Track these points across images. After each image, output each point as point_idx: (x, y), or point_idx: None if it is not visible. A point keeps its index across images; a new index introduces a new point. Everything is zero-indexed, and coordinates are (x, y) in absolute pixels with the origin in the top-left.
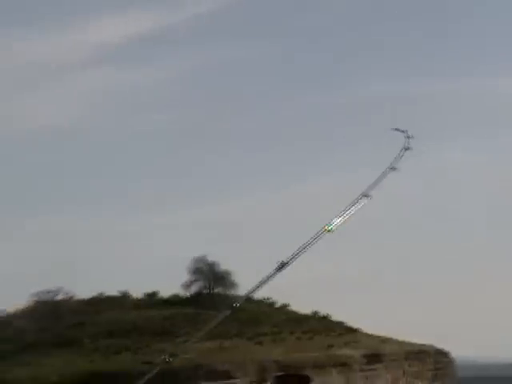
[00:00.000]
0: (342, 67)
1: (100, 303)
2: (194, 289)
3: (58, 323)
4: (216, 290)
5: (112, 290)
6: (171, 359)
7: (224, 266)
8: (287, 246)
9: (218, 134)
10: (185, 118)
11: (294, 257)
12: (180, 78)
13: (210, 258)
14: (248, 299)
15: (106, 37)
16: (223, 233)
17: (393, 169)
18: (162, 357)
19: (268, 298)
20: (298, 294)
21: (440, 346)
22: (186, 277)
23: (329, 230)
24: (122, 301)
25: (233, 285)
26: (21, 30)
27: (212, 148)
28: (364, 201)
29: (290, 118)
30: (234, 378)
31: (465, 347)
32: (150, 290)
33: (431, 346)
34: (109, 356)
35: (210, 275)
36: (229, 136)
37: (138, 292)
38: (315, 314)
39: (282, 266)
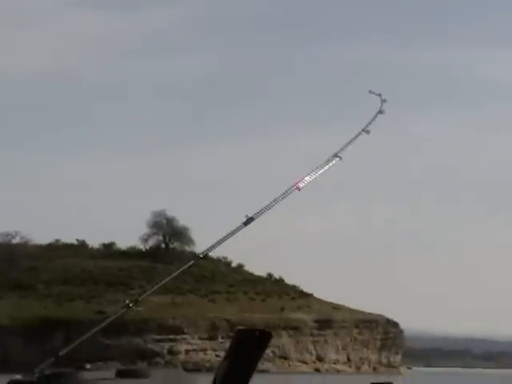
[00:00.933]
0: (331, 27)
1: (56, 250)
2: (151, 242)
3: (13, 266)
4: (173, 245)
5: (70, 238)
6: (132, 305)
7: (183, 221)
8: (255, 203)
9: (189, 89)
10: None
11: (261, 212)
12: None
13: (170, 213)
14: (204, 257)
15: None
16: (187, 187)
17: (365, 131)
18: (126, 301)
19: (224, 258)
20: (254, 254)
21: (391, 316)
22: (144, 230)
23: (298, 188)
24: (79, 249)
25: (190, 241)
26: None
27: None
28: (335, 161)
29: (276, 70)
30: (185, 334)
31: (417, 320)
32: (107, 240)
33: (381, 316)
34: (62, 303)
35: (168, 230)
36: (201, 93)
37: (95, 241)
38: (270, 276)
39: (249, 220)
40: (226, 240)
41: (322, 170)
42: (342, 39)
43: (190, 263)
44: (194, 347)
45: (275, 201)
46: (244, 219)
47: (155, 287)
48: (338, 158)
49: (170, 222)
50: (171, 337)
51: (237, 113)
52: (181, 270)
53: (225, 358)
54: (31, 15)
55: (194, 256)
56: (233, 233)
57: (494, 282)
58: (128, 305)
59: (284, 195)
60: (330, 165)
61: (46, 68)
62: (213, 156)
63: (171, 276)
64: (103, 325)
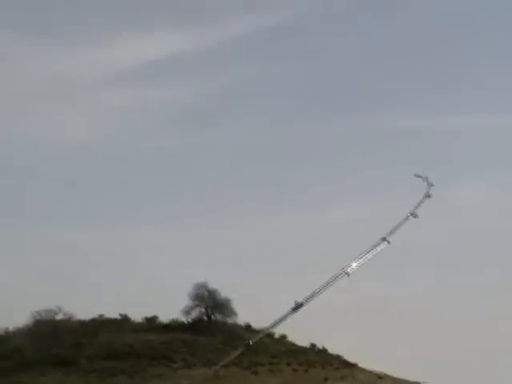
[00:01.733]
0: (369, 95)
1: (99, 325)
2: (193, 315)
3: (57, 343)
4: (215, 317)
5: (112, 313)
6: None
7: (224, 293)
8: (300, 278)
9: (232, 152)
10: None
11: (310, 297)
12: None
13: (211, 285)
14: (247, 328)
15: (134, 55)
16: (228, 258)
17: (413, 215)
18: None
19: (267, 329)
20: (296, 325)
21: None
22: (186, 302)
23: (347, 274)
24: (121, 324)
25: (232, 313)
26: (49, 42)
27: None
28: (383, 245)
29: (313, 143)
30: None
31: None
32: (149, 314)
33: None
34: (105, 378)
35: (210, 302)
36: (241, 156)
37: (137, 316)
38: (313, 346)
39: (298, 306)
40: (276, 325)
41: (371, 255)
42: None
43: (241, 351)
44: None
45: (324, 286)
46: (293, 305)
47: (232, 356)
48: (386, 242)
49: (211, 293)
50: None
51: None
52: (233, 356)
53: None
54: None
55: (246, 344)
56: (282, 319)
57: None
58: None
59: (333, 280)
60: (379, 249)
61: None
62: (258, 226)
63: (226, 360)
64: None
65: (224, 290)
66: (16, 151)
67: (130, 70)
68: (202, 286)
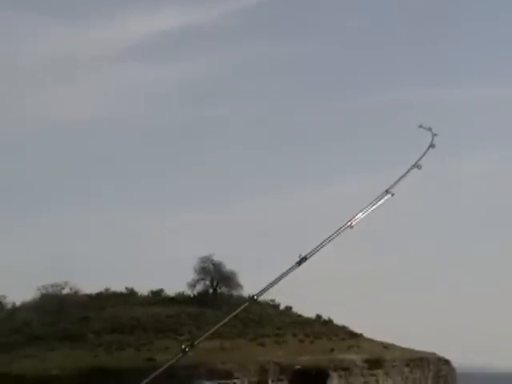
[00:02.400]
0: (367, 70)
1: (105, 299)
2: (199, 288)
3: (63, 317)
4: (221, 290)
5: (118, 287)
6: (187, 349)
7: (231, 266)
8: (307, 244)
9: (238, 132)
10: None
11: (314, 251)
12: (211, 76)
13: (216, 258)
14: (254, 299)
15: (138, 32)
16: (233, 232)
17: (417, 166)
18: (182, 346)
19: (272, 300)
20: (302, 295)
21: (443, 354)
22: (191, 276)
23: (351, 226)
24: (128, 297)
25: (238, 285)
26: (56, 22)
27: (231, 147)
28: (386, 197)
29: (314, 120)
30: (235, 378)
31: (472, 356)
32: (156, 287)
33: (433, 354)
34: (112, 352)
35: (216, 275)
36: (248, 135)
37: (144, 289)
38: (318, 317)
39: (302, 260)
40: (279, 280)
41: (374, 207)
42: (389, 80)
43: (246, 304)
44: None
45: (328, 239)
46: (297, 259)
47: (211, 331)
48: (389, 194)
49: (217, 266)
50: (222, 381)
51: (281, 157)
52: (237, 311)
53: None
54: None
55: (248, 298)
56: (286, 273)
57: None
58: (184, 349)
59: (337, 233)
60: (382, 201)
61: (99, 116)
62: (257, 200)
63: (228, 318)
64: (162, 370)
65: (229, 263)
66: (23, 128)
67: (139, 45)
68: (207, 260)
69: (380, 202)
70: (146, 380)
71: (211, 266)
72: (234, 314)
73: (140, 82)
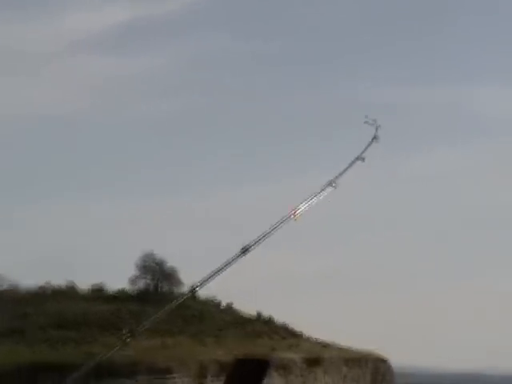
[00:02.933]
0: (327, 68)
1: (46, 294)
2: (140, 284)
3: (3, 313)
4: (162, 287)
5: (59, 281)
6: (129, 340)
7: (171, 262)
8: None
9: (192, 127)
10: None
11: (257, 241)
12: (161, 69)
13: (158, 255)
14: (193, 297)
15: (90, 25)
16: (174, 226)
17: (360, 159)
18: (123, 335)
19: (213, 297)
20: (243, 293)
21: (382, 353)
22: (132, 272)
23: (295, 218)
24: (69, 293)
25: (179, 282)
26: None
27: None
28: (330, 189)
29: (264, 112)
30: (174, 375)
31: (410, 356)
32: (97, 282)
33: (371, 353)
34: (53, 347)
35: (157, 272)
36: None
37: (85, 284)
38: (259, 315)
39: (245, 250)
40: (222, 270)
41: (317, 198)
42: (347, 77)
43: (188, 295)
44: None
45: (271, 229)
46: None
47: (150, 320)
48: (333, 187)
49: (158, 263)
50: (161, 378)
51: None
52: (178, 302)
53: None
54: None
55: (190, 288)
56: (229, 262)
57: (487, 317)
58: (125, 340)
59: (280, 223)
60: (325, 193)
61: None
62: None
63: (167, 307)
64: (102, 358)
65: (171, 260)
66: None
67: (81, 41)
68: (148, 256)
69: (324, 194)
70: (86, 368)
71: (153, 264)
72: (176, 303)
73: (90, 75)
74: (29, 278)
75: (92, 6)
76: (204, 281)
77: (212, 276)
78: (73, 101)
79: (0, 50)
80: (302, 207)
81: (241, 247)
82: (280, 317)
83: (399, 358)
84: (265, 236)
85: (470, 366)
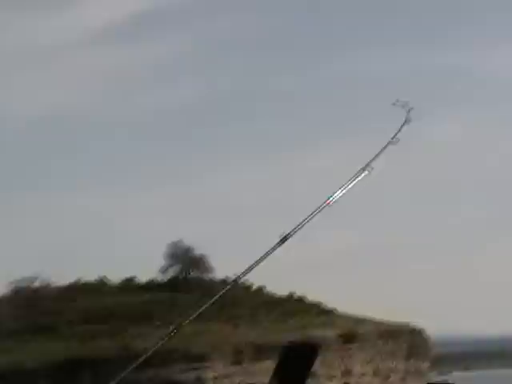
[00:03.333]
0: (338, 40)
1: (77, 290)
2: (170, 273)
3: (35, 310)
4: (192, 275)
5: (90, 276)
6: (175, 332)
7: (202, 249)
8: (287, 223)
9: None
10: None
11: (296, 229)
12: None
13: (186, 242)
14: (224, 282)
15: (102, 16)
16: (204, 214)
17: (393, 142)
18: (170, 327)
19: (245, 280)
20: (275, 274)
21: (417, 323)
22: (162, 262)
23: (330, 203)
24: (100, 287)
25: (209, 269)
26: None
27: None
28: (364, 174)
29: (287, 90)
30: (210, 361)
31: (451, 324)
32: (128, 275)
33: (406, 325)
34: (85, 342)
35: (186, 260)
36: (221, 109)
37: (116, 277)
38: (291, 295)
39: (285, 238)
40: (263, 260)
41: (352, 184)
42: (353, 48)
43: (232, 284)
44: (221, 373)
45: (309, 217)
46: (279, 239)
47: (199, 311)
48: (367, 171)
49: (187, 251)
50: (197, 365)
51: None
52: (223, 291)
53: (274, 374)
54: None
55: (234, 277)
56: (269, 252)
57: None
58: (173, 330)
59: (317, 211)
60: (360, 178)
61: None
62: (229, 180)
63: (214, 299)
64: (150, 353)
65: (200, 246)
66: None
67: (95, 31)
68: (176, 245)
69: (358, 179)
70: (137, 362)
71: (181, 251)
72: (221, 293)
73: (102, 67)
74: (59, 274)
75: None
76: (245, 271)
77: (252, 267)
78: (85, 91)
79: (11, 43)
80: (338, 193)
81: (279, 236)
82: (313, 296)
83: (437, 327)
84: (303, 224)
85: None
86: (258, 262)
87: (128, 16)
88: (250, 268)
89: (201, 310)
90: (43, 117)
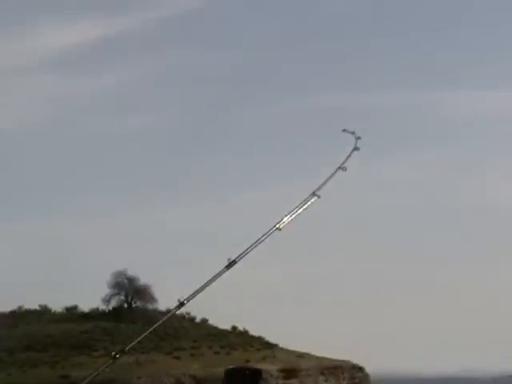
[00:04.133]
0: (292, 75)
1: (19, 317)
2: (113, 303)
3: None
4: (136, 305)
5: (32, 303)
6: (118, 355)
7: (144, 279)
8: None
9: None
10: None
11: (243, 254)
12: (128, 86)
13: (130, 272)
14: (167, 313)
15: (51, 44)
16: (147, 245)
17: (342, 169)
18: (112, 353)
19: (188, 313)
20: (219, 306)
21: (357, 361)
22: (106, 291)
23: (279, 228)
24: (42, 314)
25: (153, 299)
26: None
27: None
28: (313, 200)
29: (243, 124)
30: None
31: (388, 362)
32: (70, 303)
33: (347, 362)
34: (26, 369)
35: (130, 289)
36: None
37: (58, 306)
38: (234, 329)
39: (231, 263)
40: (209, 285)
41: (301, 210)
42: (314, 86)
43: (176, 309)
44: None
45: (257, 242)
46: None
47: (140, 337)
48: (316, 197)
49: (131, 281)
50: None
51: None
52: (167, 316)
53: None
54: None
55: (178, 303)
56: (215, 277)
57: (462, 320)
58: (115, 356)
59: (266, 235)
60: (309, 203)
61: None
62: (174, 210)
63: (156, 325)
64: (90, 378)
65: (144, 277)
66: None
67: (53, 58)
68: (121, 274)
69: (307, 205)
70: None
71: (125, 281)
72: (165, 318)
73: (57, 93)
74: (1, 302)
75: (64, 22)
76: (192, 295)
77: (199, 291)
78: (33, 115)
79: None
80: (287, 218)
81: (228, 260)
82: (255, 329)
83: (376, 365)
84: (250, 248)
85: (449, 368)
86: (204, 286)
87: (90, 41)
88: (197, 291)
89: (141, 337)
90: None
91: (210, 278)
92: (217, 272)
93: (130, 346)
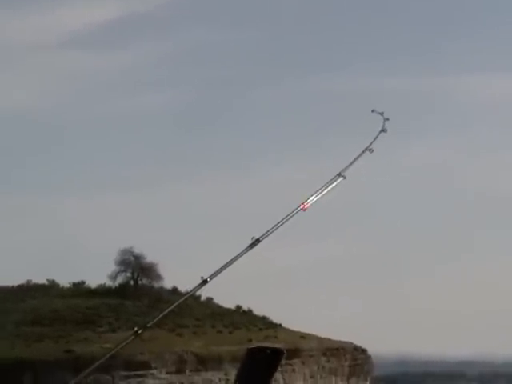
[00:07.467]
0: (327, 56)
1: (26, 291)
2: (119, 280)
3: None
4: (141, 282)
5: (40, 278)
6: (140, 331)
7: (151, 257)
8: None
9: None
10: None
11: (267, 233)
12: (150, 64)
13: (137, 250)
14: (174, 292)
15: (77, 21)
16: (156, 222)
17: (369, 150)
18: (134, 328)
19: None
20: (224, 286)
21: (360, 343)
22: (112, 267)
23: (304, 209)
24: (49, 289)
25: (158, 277)
26: None
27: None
28: (339, 180)
29: (269, 103)
30: (153, 369)
31: (392, 345)
32: (78, 279)
33: (349, 343)
34: (30, 343)
35: (136, 267)
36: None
37: (66, 281)
38: (238, 308)
39: (255, 242)
40: (232, 263)
41: (327, 190)
42: (338, 68)
43: (197, 288)
44: (162, 382)
45: (282, 221)
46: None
47: (163, 314)
48: (342, 177)
49: (137, 258)
50: (139, 372)
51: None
52: (188, 294)
53: (237, 377)
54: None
55: (201, 280)
56: (239, 256)
57: (482, 303)
58: (137, 331)
59: (290, 215)
60: (334, 184)
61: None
62: (186, 190)
63: (178, 302)
64: (109, 354)
65: (150, 255)
66: None
67: (80, 33)
68: (127, 251)
69: (332, 185)
70: (98, 363)
71: (132, 258)
72: (188, 295)
73: (78, 71)
74: (10, 276)
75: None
76: (215, 273)
77: (222, 268)
78: (54, 95)
79: None
80: (312, 198)
81: (251, 239)
82: (260, 309)
83: (381, 347)
84: (275, 228)
85: (456, 352)
86: (227, 264)
87: (105, 21)
88: (221, 269)
89: (164, 313)
90: (3, 117)
91: (232, 257)
92: (240, 251)
93: (152, 322)
